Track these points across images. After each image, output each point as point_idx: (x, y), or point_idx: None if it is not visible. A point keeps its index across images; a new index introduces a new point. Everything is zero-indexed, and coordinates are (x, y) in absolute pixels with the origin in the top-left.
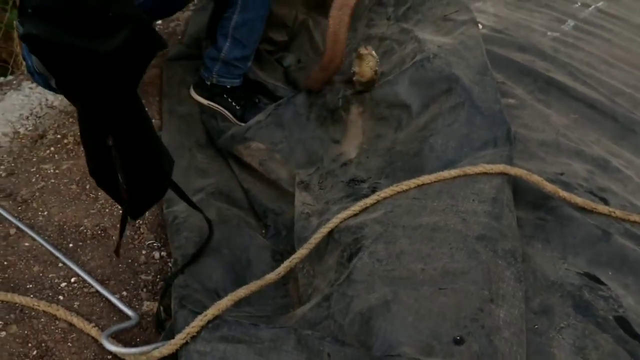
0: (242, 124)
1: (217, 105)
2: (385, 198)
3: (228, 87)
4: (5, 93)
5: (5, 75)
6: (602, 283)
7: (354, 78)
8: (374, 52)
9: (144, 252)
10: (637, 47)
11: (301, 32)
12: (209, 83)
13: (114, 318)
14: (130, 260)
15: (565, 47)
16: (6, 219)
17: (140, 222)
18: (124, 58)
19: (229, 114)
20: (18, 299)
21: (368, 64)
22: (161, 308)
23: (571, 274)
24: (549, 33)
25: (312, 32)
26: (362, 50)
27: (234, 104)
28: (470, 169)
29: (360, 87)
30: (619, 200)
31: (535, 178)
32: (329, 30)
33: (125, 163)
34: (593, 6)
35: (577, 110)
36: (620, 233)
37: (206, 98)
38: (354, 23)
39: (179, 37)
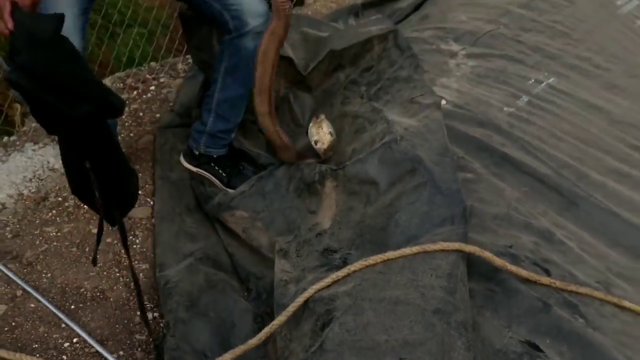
0: (229, 189)
1: (205, 173)
2: (354, 271)
3: (215, 156)
4: (10, 154)
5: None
6: (540, 350)
7: (316, 147)
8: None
9: (138, 312)
10: (581, 121)
11: (282, 104)
12: (197, 152)
13: None
14: (126, 321)
15: (519, 122)
16: (13, 281)
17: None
18: (88, 120)
19: (216, 180)
20: (26, 358)
21: (324, 129)
22: None
23: (514, 342)
24: (505, 108)
25: (292, 105)
26: (316, 119)
27: (220, 171)
28: (430, 247)
29: (324, 155)
30: (560, 270)
31: (487, 254)
32: (260, 49)
33: (100, 182)
34: (545, 82)
35: (527, 184)
36: (559, 303)
37: (195, 166)
38: (330, 98)
39: (171, 103)
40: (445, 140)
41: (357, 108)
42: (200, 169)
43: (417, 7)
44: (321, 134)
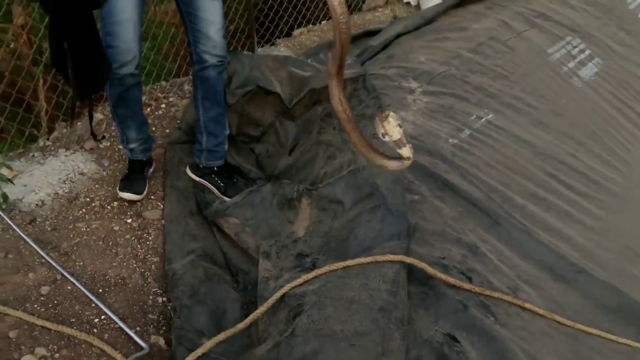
0: (225, 197)
1: (206, 182)
2: (321, 274)
3: (215, 168)
4: (47, 158)
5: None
6: (457, 341)
7: (385, 140)
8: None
9: (150, 297)
10: (511, 153)
11: (269, 130)
12: (200, 165)
13: (131, 347)
14: (141, 303)
15: (461, 152)
16: (54, 267)
17: (149, 274)
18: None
19: (214, 189)
20: (66, 330)
21: (391, 123)
22: None
23: (438, 334)
24: (450, 140)
25: (278, 130)
26: (381, 114)
27: (219, 181)
28: (380, 257)
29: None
30: (480, 278)
31: (423, 265)
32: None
33: (74, 61)
34: (484, 118)
35: (462, 205)
36: (476, 305)
37: (198, 176)
38: (309, 127)
39: (179, 121)
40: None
41: (331, 138)
42: (203, 179)
43: (385, 47)
44: (388, 127)
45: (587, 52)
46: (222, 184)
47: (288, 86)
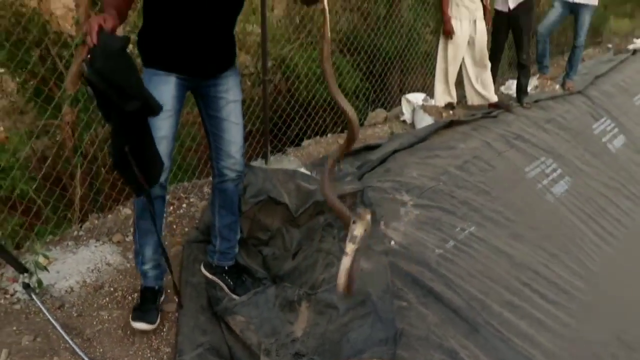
0: (234, 295)
1: (218, 280)
2: None
3: (226, 267)
4: (79, 247)
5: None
6: None
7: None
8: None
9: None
10: (490, 263)
11: (277, 235)
12: (213, 264)
13: None
14: None
15: (445, 262)
16: (77, 353)
17: None
18: (136, 114)
19: (225, 287)
20: None
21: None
22: None
23: None
24: (436, 250)
25: (284, 236)
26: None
27: (229, 280)
28: None
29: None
30: None
31: None
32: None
33: (135, 161)
34: (467, 230)
35: (444, 312)
36: None
37: (211, 274)
38: (312, 235)
39: (197, 222)
40: (388, 280)
41: (330, 246)
42: (215, 277)
43: (382, 161)
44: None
45: (559, 171)
46: (231, 283)
47: (295, 197)
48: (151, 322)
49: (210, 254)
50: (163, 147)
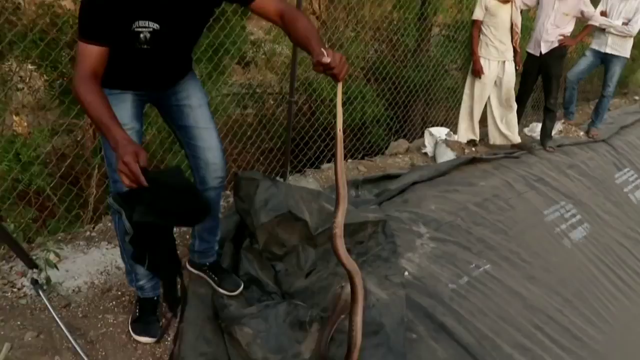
0: (222, 290)
1: (203, 275)
2: None
3: (207, 264)
4: (90, 248)
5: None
6: None
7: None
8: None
9: None
10: (503, 303)
11: (292, 252)
12: (196, 262)
13: None
14: None
15: (458, 297)
16: (79, 354)
17: None
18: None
19: (211, 282)
20: None
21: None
22: None
23: None
24: (449, 285)
25: (299, 254)
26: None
27: (213, 275)
28: None
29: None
30: None
31: None
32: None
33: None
34: (482, 268)
35: (455, 349)
36: None
37: (196, 270)
38: (328, 257)
39: None
40: (403, 313)
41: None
42: (200, 272)
43: (401, 191)
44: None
45: (578, 217)
46: (216, 278)
47: (316, 217)
48: (154, 336)
49: (191, 253)
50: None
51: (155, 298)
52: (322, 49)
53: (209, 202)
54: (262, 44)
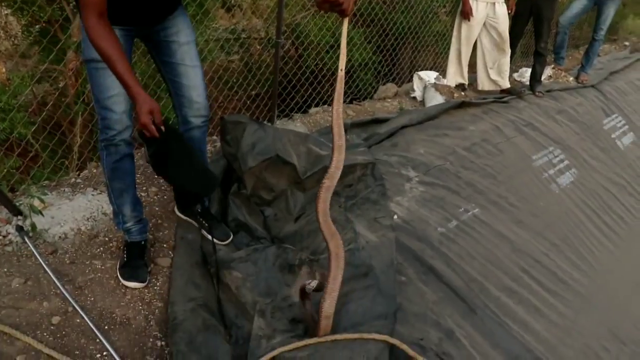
0: (211, 238)
1: (191, 221)
2: (310, 344)
3: (198, 210)
4: (75, 194)
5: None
6: None
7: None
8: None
9: (151, 339)
10: (492, 246)
11: (281, 196)
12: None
13: None
14: (141, 344)
15: (447, 241)
16: (67, 299)
17: (152, 317)
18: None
19: (202, 229)
20: None
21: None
22: None
23: None
24: (438, 228)
25: (288, 198)
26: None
27: (203, 221)
28: (365, 335)
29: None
30: None
31: (404, 346)
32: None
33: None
34: (471, 212)
35: (443, 291)
36: None
37: (185, 216)
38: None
39: None
40: (393, 255)
41: (335, 215)
42: (190, 218)
43: (390, 135)
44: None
45: (566, 162)
46: (205, 224)
47: (305, 160)
48: (142, 280)
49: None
50: (119, 106)
51: (143, 242)
52: None
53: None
54: None
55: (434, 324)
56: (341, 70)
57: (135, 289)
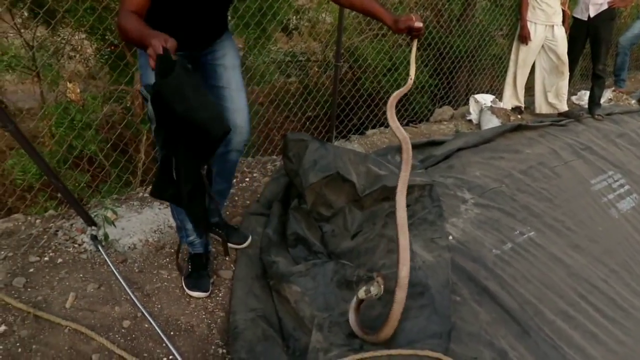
0: (232, 244)
1: (211, 234)
2: (366, 358)
3: (212, 222)
4: (144, 208)
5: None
6: None
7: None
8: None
9: (213, 347)
10: (547, 270)
11: (339, 213)
12: None
13: None
14: (204, 351)
15: (502, 263)
16: (137, 305)
17: (214, 326)
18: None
19: (219, 239)
20: None
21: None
22: None
23: None
24: (493, 250)
25: (346, 216)
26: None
27: (219, 231)
28: (420, 352)
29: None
30: None
31: None
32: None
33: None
34: (526, 235)
35: (497, 312)
36: None
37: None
38: (374, 219)
39: (258, 196)
40: (448, 276)
41: (393, 234)
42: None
43: (446, 157)
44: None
45: (627, 187)
46: (221, 232)
47: (364, 179)
48: (205, 290)
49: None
50: None
51: (206, 254)
52: (411, 15)
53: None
54: (306, 11)
55: (488, 344)
56: (411, 78)
57: (199, 298)
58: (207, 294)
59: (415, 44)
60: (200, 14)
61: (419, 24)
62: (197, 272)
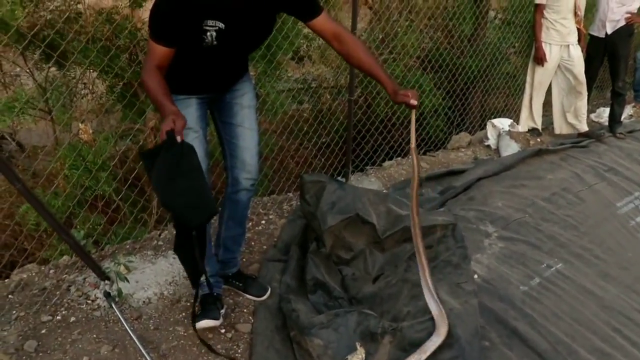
0: (248, 296)
1: (231, 287)
2: None
3: (230, 274)
4: (157, 258)
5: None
6: None
7: None
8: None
9: None
10: (578, 304)
11: (359, 256)
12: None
13: None
14: None
15: (530, 300)
16: None
17: None
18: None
19: (238, 290)
20: None
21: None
22: None
23: None
24: (521, 287)
25: (367, 258)
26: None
27: (237, 283)
28: None
29: None
30: None
31: None
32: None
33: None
34: (554, 267)
35: (529, 356)
36: None
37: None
38: (396, 261)
39: (275, 239)
40: (477, 323)
41: (416, 278)
42: (226, 285)
43: (466, 188)
44: None
45: None
46: (240, 284)
47: (384, 220)
48: (215, 318)
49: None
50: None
51: (216, 294)
52: (408, 92)
53: (214, 206)
54: (316, 38)
55: None
56: (412, 147)
57: (210, 327)
58: (217, 322)
59: (414, 113)
60: (223, 62)
61: (414, 102)
62: (206, 306)
